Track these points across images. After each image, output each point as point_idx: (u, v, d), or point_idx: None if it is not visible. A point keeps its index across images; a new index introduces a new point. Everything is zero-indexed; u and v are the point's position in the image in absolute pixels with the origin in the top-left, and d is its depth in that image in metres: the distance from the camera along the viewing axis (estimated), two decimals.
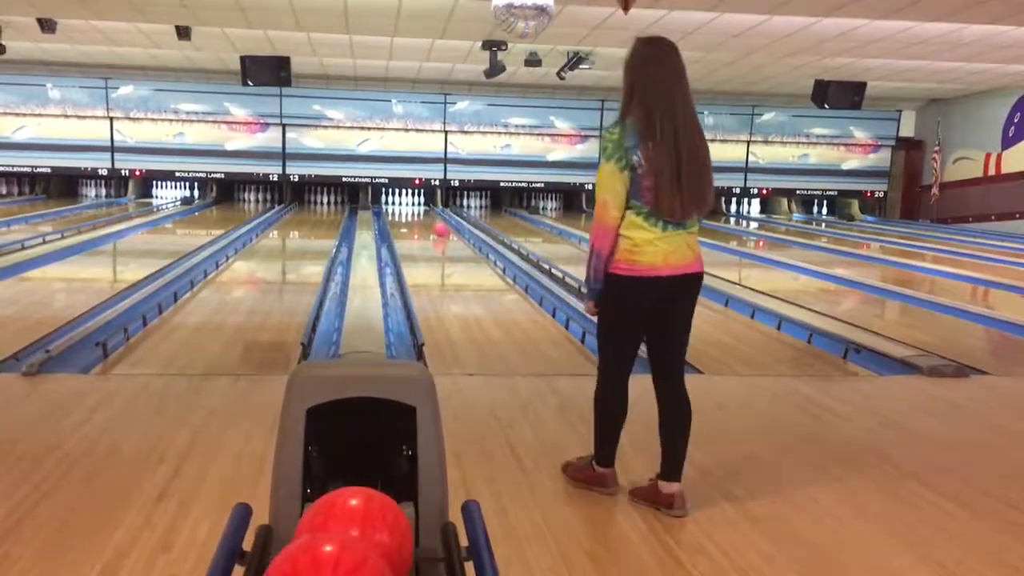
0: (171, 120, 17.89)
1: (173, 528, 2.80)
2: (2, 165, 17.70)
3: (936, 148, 18.72)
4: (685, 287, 3.00)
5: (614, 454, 3.19)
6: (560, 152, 19.04)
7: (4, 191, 18.20)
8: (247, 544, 1.53)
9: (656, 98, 2.89)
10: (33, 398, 4.26)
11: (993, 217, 17.28)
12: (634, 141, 2.88)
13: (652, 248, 2.91)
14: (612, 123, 2.95)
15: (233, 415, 4.04)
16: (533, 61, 13.84)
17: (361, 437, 1.76)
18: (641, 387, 3.19)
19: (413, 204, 19.29)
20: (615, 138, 2.90)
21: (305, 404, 1.66)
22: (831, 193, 20.13)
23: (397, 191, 19.25)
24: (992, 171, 17.50)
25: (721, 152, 18.63)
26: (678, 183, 2.87)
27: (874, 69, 14.27)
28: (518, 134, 18.89)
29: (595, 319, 3.14)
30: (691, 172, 2.89)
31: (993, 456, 3.87)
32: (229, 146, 18.19)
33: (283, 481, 1.65)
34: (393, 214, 17.83)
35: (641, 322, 3.05)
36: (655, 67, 2.93)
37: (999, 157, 17.28)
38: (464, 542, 1.56)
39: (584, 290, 3.08)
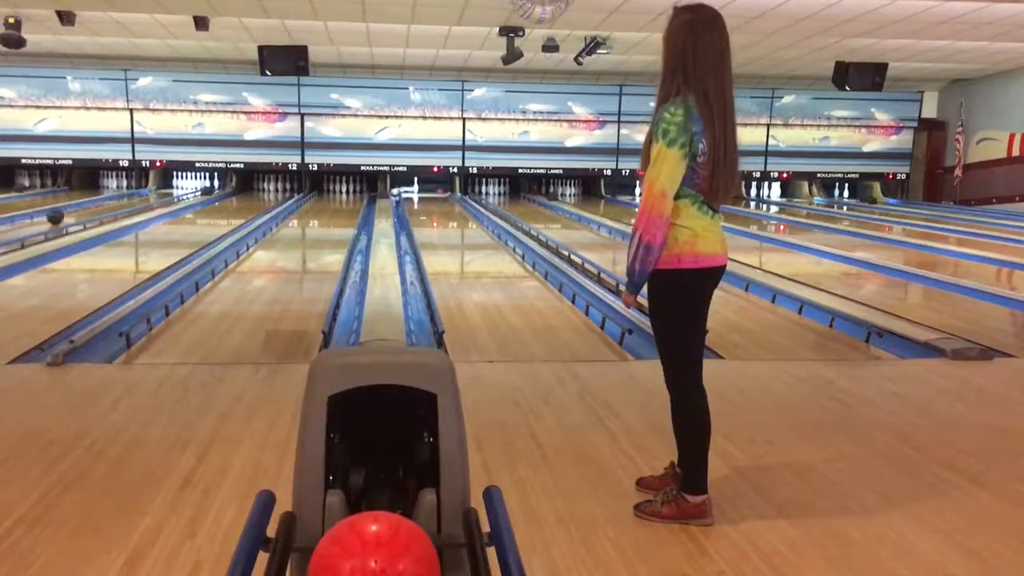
0: (190, 111, 17.99)
1: (198, 515, 2.83)
2: (25, 158, 17.87)
3: (959, 129, 18.50)
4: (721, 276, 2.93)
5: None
6: (578, 138, 18.98)
7: (27, 183, 18.37)
8: (271, 530, 1.54)
9: (710, 72, 2.68)
10: (58, 388, 4.31)
11: (1017, 198, 17.08)
12: (700, 125, 2.67)
13: (712, 236, 2.77)
14: (672, 102, 2.66)
15: (256, 403, 4.07)
16: (550, 47, 13.78)
17: (383, 424, 1.77)
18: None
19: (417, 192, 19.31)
20: (679, 120, 2.64)
21: (327, 392, 1.67)
22: (852, 176, 19.98)
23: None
24: (1016, 151, 17.29)
25: (741, 136, 18.35)
26: (725, 168, 2.73)
27: (896, 50, 14.11)
28: (536, 120, 18.85)
29: (636, 314, 3.11)
30: (732, 156, 2.76)
31: (1018, 439, 3.83)
32: (248, 136, 18.27)
33: (306, 468, 1.66)
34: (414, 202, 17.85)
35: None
36: (707, 36, 2.70)
37: (1023, 138, 17.06)
38: (486, 528, 1.56)
39: (624, 285, 2.82)
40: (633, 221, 2.77)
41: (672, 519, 2.81)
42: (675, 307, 2.80)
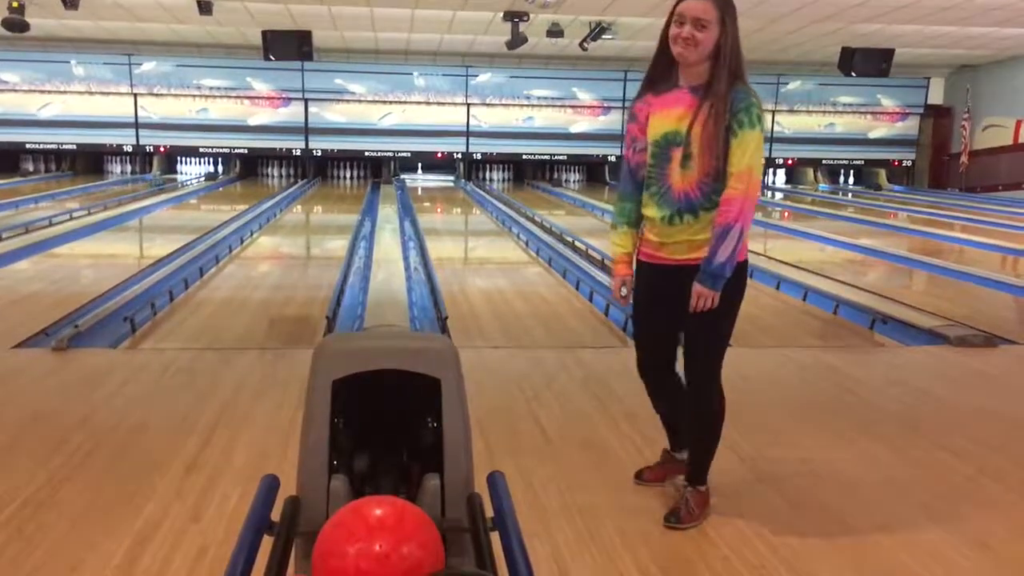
0: (194, 96, 17.95)
1: (202, 499, 2.84)
2: (29, 142, 17.86)
3: (965, 115, 18.42)
4: None
5: None
6: (583, 124, 18.93)
7: (31, 168, 18.38)
8: (275, 515, 1.54)
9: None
10: (63, 373, 4.32)
11: (1023, 185, 17.01)
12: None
13: None
14: (745, 88, 2.55)
15: (260, 388, 4.07)
16: (555, 32, 13.73)
17: (387, 409, 1.77)
18: None
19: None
20: (760, 105, 2.59)
21: (331, 376, 1.67)
22: (858, 162, 19.91)
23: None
24: (1022, 139, 17.20)
25: None
26: None
27: (902, 36, 14.03)
28: (540, 106, 18.79)
29: (706, 317, 2.63)
30: None
31: (1022, 426, 3.83)
32: (252, 121, 18.24)
33: (310, 453, 1.66)
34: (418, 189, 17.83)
35: None
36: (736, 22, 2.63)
37: None
38: (490, 513, 1.56)
39: (705, 282, 2.57)
40: (717, 213, 2.56)
41: (704, 515, 2.75)
42: (737, 301, 2.68)
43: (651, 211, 2.68)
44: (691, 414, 2.82)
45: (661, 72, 2.66)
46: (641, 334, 2.92)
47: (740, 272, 2.63)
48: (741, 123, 2.53)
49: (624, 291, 2.82)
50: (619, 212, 2.83)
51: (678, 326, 2.74)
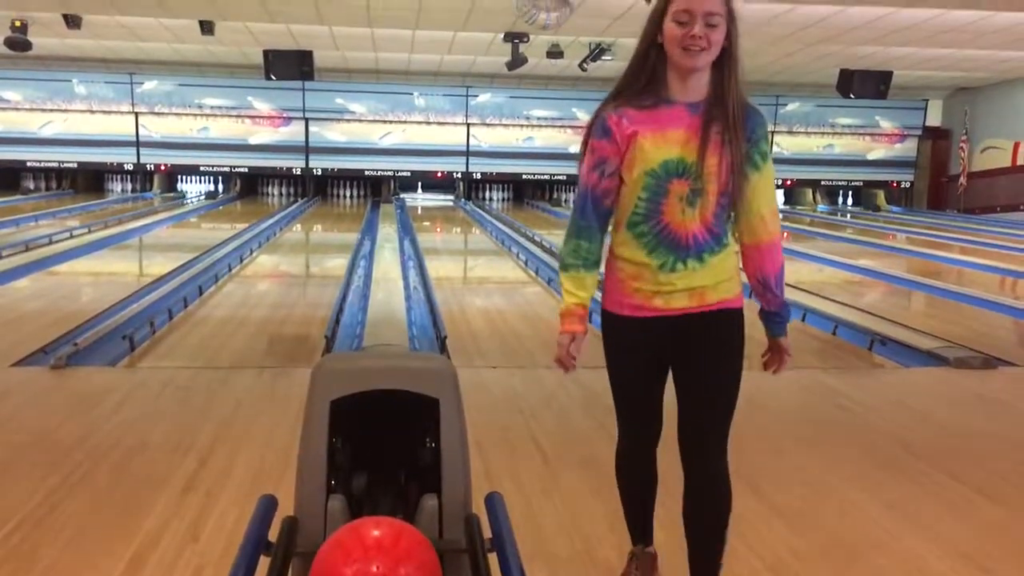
0: (195, 115, 18.01)
1: (200, 519, 2.83)
2: (30, 160, 17.90)
3: (963, 137, 18.49)
4: None
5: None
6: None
7: (32, 186, 18.41)
8: (273, 535, 1.54)
9: None
10: (61, 391, 4.31)
11: (1022, 207, 17.05)
12: None
13: None
14: (756, 107, 2.19)
15: (258, 407, 4.07)
16: (555, 53, 13.80)
17: (385, 429, 1.77)
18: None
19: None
20: None
21: (329, 396, 1.67)
22: (857, 183, 19.96)
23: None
24: (1021, 160, 17.26)
25: None
26: None
27: (900, 58, 14.11)
28: (540, 126, 18.86)
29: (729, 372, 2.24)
30: None
31: (1022, 448, 3.82)
32: (253, 140, 18.29)
33: (308, 473, 1.66)
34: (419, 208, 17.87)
35: None
36: None
37: None
38: (488, 534, 1.56)
39: (779, 334, 2.31)
40: (763, 260, 2.20)
41: None
42: (742, 352, 2.27)
43: (638, 255, 2.15)
44: (705, 503, 2.24)
45: (644, 83, 2.15)
46: (633, 411, 2.36)
47: (741, 321, 2.27)
48: (764, 155, 2.15)
49: (574, 351, 2.24)
50: (573, 252, 2.22)
51: (662, 387, 2.31)
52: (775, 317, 2.28)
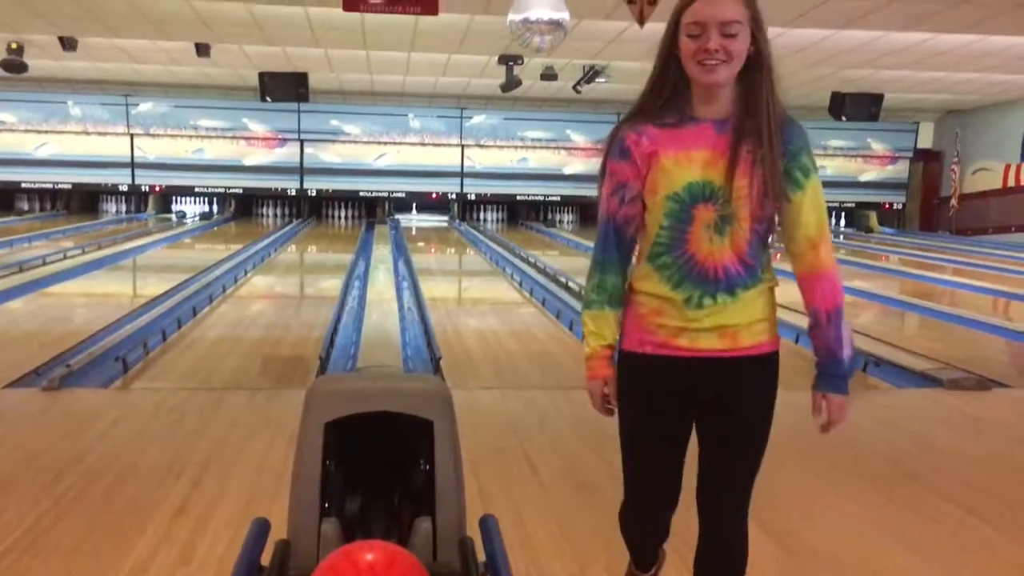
0: (190, 136, 18.05)
1: (192, 542, 2.81)
2: (24, 181, 17.90)
3: (955, 159, 18.60)
4: None
5: None
6: (576, 165, 19.04)
7: (26, 207, 18.40)
8: (266, 558, 1.53)
9: None
10: (54, 413, 4.29)
11: (1013, 228, 17.13)
12: None
13: None
14: (792, 118, 1.95)
15: (252, 429, 4.05)
16: (549, 75, 13.87)
17: (379, 451, 1.76)
18: None
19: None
20: None
21: (323, 418, 1.67)
22: (849, 205, 20.03)
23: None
24: (1012, 182, 17.36)
25: None
26: None
27: (892, 81, 14.21)
28: (534, 148, 18.93)
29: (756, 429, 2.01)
30: None
31: (1015, 470, 3.82)
32: (248, 161, 18.32)
33: (301, 495, 1.65)
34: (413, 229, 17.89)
35: None
36: None
37: (1019, 168, 17.14)
38: (482, 557, 1.55)
39: (830, 388, 2.02)
40: (814, 296, 1.97)
41: None
42: (774, 402, 2.03)
43: (661, 288, 1.92)
44: (721, 564, 2.09)
45: (665, 99, 1.92)
46: (647, 471, 2.04)
47: (776, 366, 2.02)
48: (807, 170, 1.88)
49: (608, 396, 2.02)
50: (597, 287, 2.00)
51: (685, 444, 2.04)
52: (823, 365, 1.98)
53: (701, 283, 1.88)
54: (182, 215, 18.66)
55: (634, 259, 2.01)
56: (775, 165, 1.83)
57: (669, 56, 1.90)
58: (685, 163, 1.87)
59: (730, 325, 1.90)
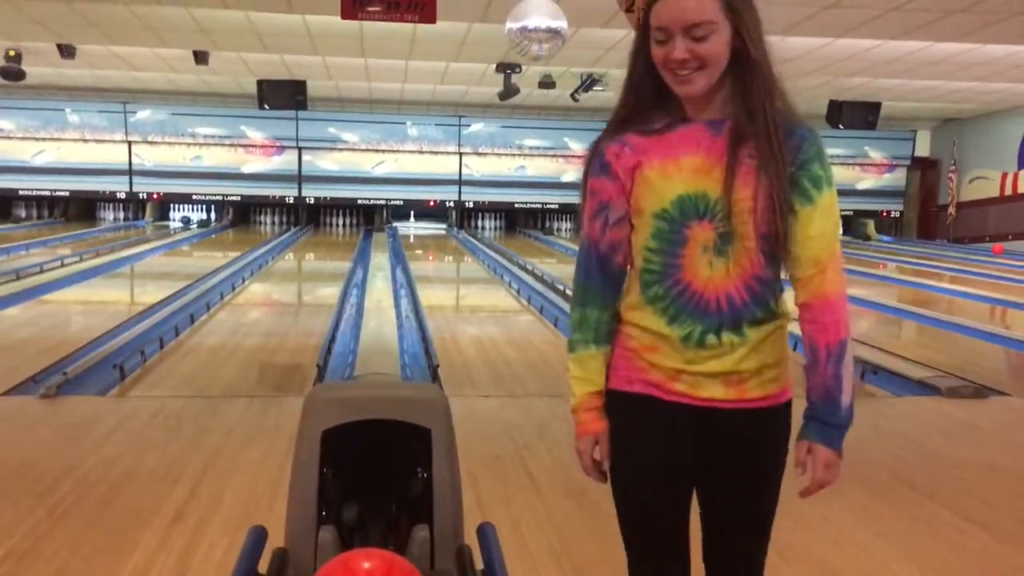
0: (188, 144, 18.06)
1: (189, 551, 2.80)
2: (22, 189, 17.89)
3: (952, 168, 18.65)
4: None
5: None
6: (574, 173, 19.05)
7: (24, 214, 18.39)
8: (263, 567, 1.53)
9: None
10: (50, 421, 4.28)
11: (1010, 236, 17.17)
12: None
13: None
14: (802, 119, 1.67)
15: (249, 437, 4.05)
16: (547, 83, 13.90)
17: (376, 459, 1.76)
18: None
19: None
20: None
21: (321, 426, 1.67)
22: (846, 213, 20.04)
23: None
24: (1009, 190, 17.41)
25: None
26: None
27: (889, 89, 14.25)
28: (532, 155, 18.96)
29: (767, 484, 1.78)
30: None
31: (1014, 477, 3.82)
32: (245, 169, 18.33)
33: (298, 503, 1.65)
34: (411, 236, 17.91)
35: None
36: None
37: (1015, 176, 17.19)
38: (480, 565, 1.55)
39: (824, 436, 1.74)
40: (812, 327, 1.68)
41: None
42: (788, 440, 1.79)
43: (655, 323, 1.64)
44: None
45: (647, 103, 1.67)
46: (647, 536, 1.75)
47: (788, 417, 1.77)
48: (817, 181, 1.60)
49: (599, 456, 1.73)
50: (580, 324, 1.72)
51: (689, 499, 1.75)
52: (815, 410, 1.70)
53: (702, 317, 1.61)
54: (187, 220, 18.67)
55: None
56: (781, 172, 1.55)
57: (644, 57, 1.64)
58: (673, 172, 1.60)
59: (736, 372, 1.63)
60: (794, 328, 1.72)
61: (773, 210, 1.56)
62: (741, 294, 1.61)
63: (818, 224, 1.60)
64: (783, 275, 1.67)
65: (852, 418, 1.71)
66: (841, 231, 1.75)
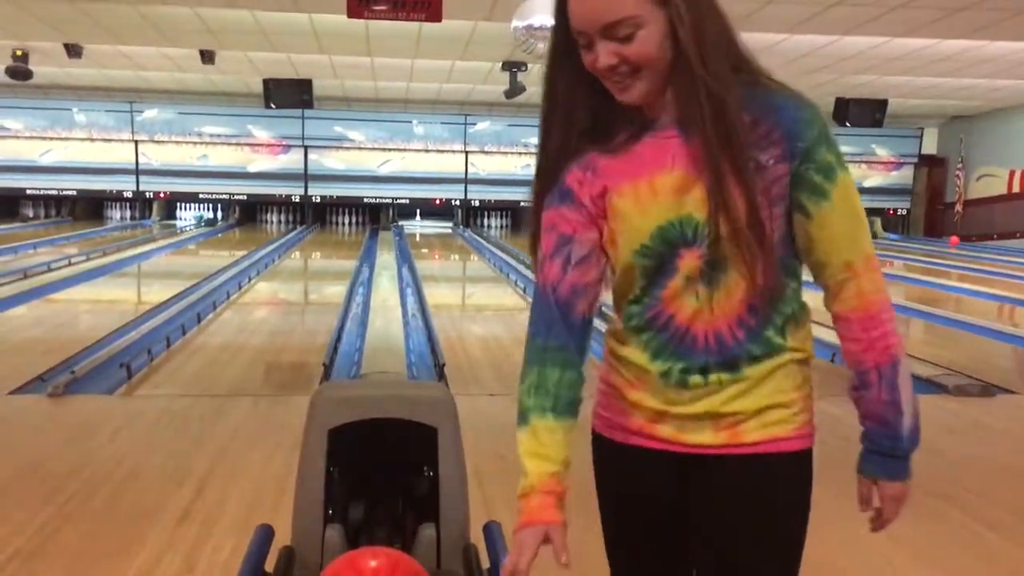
0: (195, 143, 18.09)
1: (195, 550, 2.80)
2: (29, 188, 17.94)
3: (959, 165, 18.59)
4: None
5: None
6: None
7: (31, 214, 18.44)
8: (269, 565, 1.53)
9: None
10: (58, 419, 4.29)
11: (1018, 234, 17.10)
12: None
13: None
14: (791, 91, 1.32)
15: (255, 436, 4.05)
16: None
17: (383, 458, 1.76)
18: None
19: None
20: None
21: (327, 425, 1.67)
22: None
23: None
24: (1016, 188, 17.34)
25: None
26: None
27: (896, 86, 14.21)
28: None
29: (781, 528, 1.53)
30: None
31: (1021, 476, 3.81)
32: (252, 168, 18.36)
33: (305, 502, 1.65)
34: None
35: None
36: None
37: (1023, 174, 17.12)
38: (486, 564, 1.55)
39: (893, 468, 1.54)
40: (858, 347, 1.41)
41: None
42: (807, 506, 1.55)
43: (638, 355, 1.38)
44: None
45: (601, 111, 1.35)
46: None
47: (808, 464, 1.52)
48: (829, 170, 1.28)
49: (558, 547, 1.39)
50: (536, 388, 1.42)
51: (685, 564, 1.48)
52: (873, 439, 1.47)
53: (684, 355, 1.34)
54: (200, 218, 18.72)
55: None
56: (748, 171, 1.25)
57: (571, 66, 1.33)
58: (647, 199, 1.31)
59: (729, 413, 1.35)
60: (831, 336, 1.47)
61: (775, 224, 1.29)
62: (736, 331, 1.33)
63: (839, 221, 1.29)
64: (801, 280, 1.42)
65: (918, 440, 1.45)
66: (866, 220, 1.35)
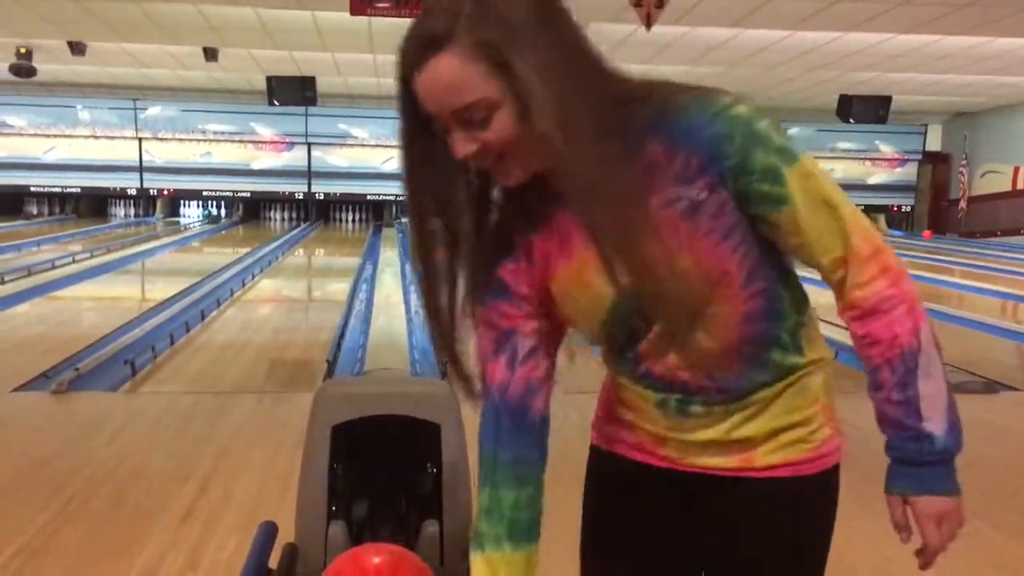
0: (198, 140, 18.10)
1: (199, 547, 2.81)
2: (33, 185, 17.97)
3: (963, 162, 18.55)
4: None
5: None
6: None
7: (35, 211, 18.46)
8: (273, 562, 1.53)
9: None
10: (62, 417, 4.30)
11: (1022, 231, 17.07)
12: None
13: None
14: (694, 93, 1.16)
15: (259, 433, 4.06)
16: None
17: (386, 455, 1.76)
18: None
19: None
20: (752, 105, 1.20)
21: (330, 422, 1.67)
22: (858, 207, 19.91)
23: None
24: (1021, 184, 17.30)
25: None
26: None
27: (899, 83, 14.18)
28: None
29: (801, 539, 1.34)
30: None
31: (1022, 473, 3.81)
32: (255, 165, 18.37)
33: (308, 499, 1.65)
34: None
35: None
36: None
37: None
38: None
39: (931, 480, 1.32)
40: (873, 344, 1.24)
41: None
42: (831, 527, 1.40)
43: (631, 385, 1.27)
44: None
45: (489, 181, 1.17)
46: None
47: (834, 481, 1.37)
48: (773, 171, 1.11)
49: None
50: (491, 512, 1.26)
51: None
52: (896, 448, 1.26)
53: (680, 389, 1.20)
54: (208, 214, 18.74)
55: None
56: (702, 204, 1.09)
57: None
58: (586, 281, 1.15)
59: (737, 439, 1.21)
60: (830, 334, 1.41)
61: (739, 258, 1.11)
62: (732, 364, 1.17)
63: (809, 217, 1.12)
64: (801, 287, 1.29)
65: (959, 441, 1.25)
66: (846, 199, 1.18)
